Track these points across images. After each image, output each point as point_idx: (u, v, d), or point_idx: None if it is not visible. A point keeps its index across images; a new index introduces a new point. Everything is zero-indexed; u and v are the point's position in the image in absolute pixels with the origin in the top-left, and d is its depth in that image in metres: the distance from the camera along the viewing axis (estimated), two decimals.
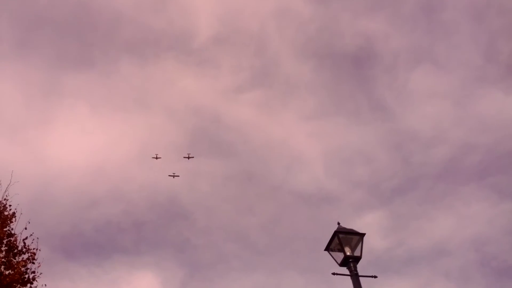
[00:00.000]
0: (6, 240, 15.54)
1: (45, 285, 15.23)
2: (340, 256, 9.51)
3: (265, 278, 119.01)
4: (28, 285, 14.90)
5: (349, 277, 9.29)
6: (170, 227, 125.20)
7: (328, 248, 9.76)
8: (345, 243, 9.51)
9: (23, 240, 15.67)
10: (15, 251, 15.49)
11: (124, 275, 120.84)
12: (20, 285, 14.61)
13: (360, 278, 9.18)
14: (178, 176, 76.72)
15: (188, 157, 77.70)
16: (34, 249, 15.64)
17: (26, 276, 15.04)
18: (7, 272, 14.77)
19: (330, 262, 9.90)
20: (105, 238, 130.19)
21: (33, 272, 15.26)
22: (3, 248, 15.35)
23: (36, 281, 15.13)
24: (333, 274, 9.25)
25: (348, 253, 9.35)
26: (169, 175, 76.34)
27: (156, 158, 77.69)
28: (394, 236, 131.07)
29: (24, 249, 15.54)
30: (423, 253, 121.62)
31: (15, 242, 15.65)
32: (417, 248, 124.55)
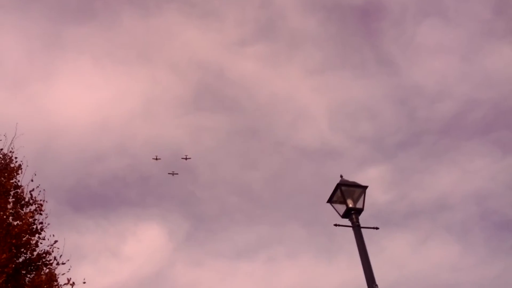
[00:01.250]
0: (13, 191, 15.76)
1: (53, 235, 15.55)
2: (342, 208, 9.61)
3: (268, 231, 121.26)
4: (36, 235, 15.22)
5: (351, 228, 9.42)
6: (175, 181, 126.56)
7: (330, 201, 9.85)
8: (347, 196, 9.58)
9: (30, 192, 15.89)
10: (22, 202, 15.73)
11: (130, 227, 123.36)
12: (29, 235, 14.92)
13: (362, 229, 9.31)
14: (177, 174, 79.00)
15: (186, 158, 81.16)
16: (41, 200, 15.89)
17: (34, 226, 15.34)
18: (15, 223, 15.05)
19: (332, 215, 10.02)
20: (111, 191, 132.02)
21: (41, 223, 15.56)
22: (10, 200, 15.59)
23: (44, 231, 15.45)
24: (335, 225, 9.38)
25: (350, 205, 9.45)
26: (169, 173, 77.84)
27: (156, 159, 78.62)
28: (397, 190, 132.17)
29: (31, 201, 15.78)
30: (424, 207, 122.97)
31: (22, 194, 15.87)
32: (419, 202, 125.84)
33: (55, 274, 14.58)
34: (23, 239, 14.63)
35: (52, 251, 15.24)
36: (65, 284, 14.53)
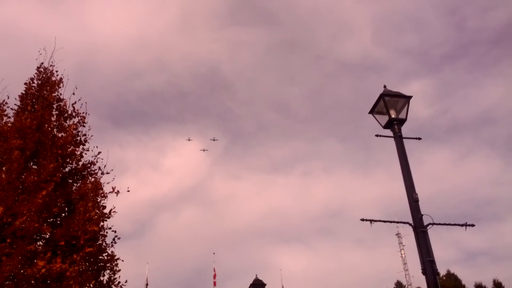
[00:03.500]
0: (56, 104, 16.12)
1: (97, 146, 16.03)
2: (384, 119, 9.40)
3: (304, 146, 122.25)
4: (81, 146, 15.72)
5: (389, 142, 9.27)
6: (213, 97, 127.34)
7: (372, 111, 9.63)
8: (390, 106, 9.33)
9: (72, 104, 16.23)
10: (66, 115, 16.12)
11: (169, 142, 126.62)
12: (73, 146, 15.41)
13: (404, 140, 9.14)
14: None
15: (214, 139, 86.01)
16: (83, 113, 16.24)
17: (78, 138, 15.81)
18: (60, 135, 15.52)
19: (372, 128, 9.85)
20: (150, 107, 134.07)
21: (84, 134, 16.01)
22: (54, 112, 15.99)
23: (88, 143, 15.94)
24: (377, 136, 9.22)
25: (393, 116, 9.22)
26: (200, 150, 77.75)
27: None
28: (440, 104, 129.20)
29: (73, 113, 16.15)
30: (468, 121, 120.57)
31: (64, 107, 16.23)
32: (462, 117, 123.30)
33: (100, 183, 15.19)
34: (68, 150, 15.13)
35: (96, 162, 15.80)
36: (110, 192, 15.17)
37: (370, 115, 9.80)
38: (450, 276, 65.25)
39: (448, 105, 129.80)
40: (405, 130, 9.36)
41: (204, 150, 73.18)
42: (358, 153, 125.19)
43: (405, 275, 64.11)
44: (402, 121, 9.23)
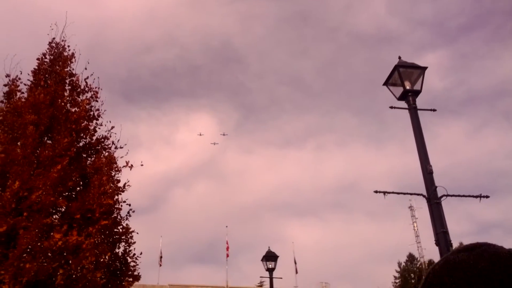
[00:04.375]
0: (69, 79, 16.16)
1: (110, 121, 16.10)
2: (399, 90, 9.27)
3: (317, 120, 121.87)
4: (94, 121, 15.80)
5: (403, 115, 9.17)
6: (224, 71, 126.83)
7: (387, 83, 9.50)
8: (405, 77, 9.19)
9: (85, 79, 16.26)
10: (78, 90, 16.17)
11: (182, 117, 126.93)
12: (87, 121, 15.50)
13: (419, 112, 9.03)
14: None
15: (224, 134, 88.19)
16: (96, 88, 16.28)
17: (91, 113, 15.87)
18: (73, 110, 15.60)
19: (385, 101, 9.75)
20: (162, 82, 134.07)
21: (97, 109, 16.07)
22: (67, 88, 16.04)
23: (101, 117, 16.00)
24: (391, 107, 9.11)
25: (407, 87, 9.09)
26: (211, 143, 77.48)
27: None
28: (455, 76, 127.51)
29: (86, 88, 16.19)
30: (483, 93, 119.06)
31: (77, 82, 16.26)
32: (478, 89, 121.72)
33: (114, 157, 15.29)
34: (82, 124, 15.22)
35: (110, 136, 15.89)
36: (124, 166, 15.29)
37: (385, 87, 9.68)
38: None
39: (463, 77, 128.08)
40: (419, 102, 9.24)
41: (214, 144, 73.83)
42: (372, 127, 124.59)
43: (418, 247, 64.45)
44: (417, 93, 9.10)
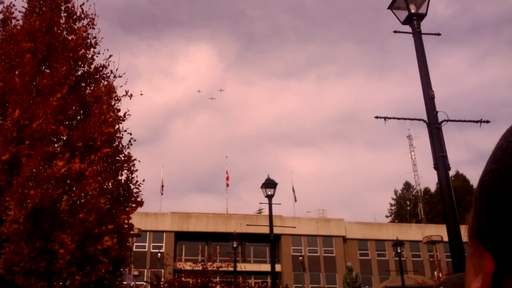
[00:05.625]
0: (64, 6, 15.75)
1: (107, 49, 15.86)
2: (403, 14, 9.04)
3: (319, 49, 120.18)
4: (91, 49, 15.54)
5: (410, 37, 8.98)
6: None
7: (391, 6, 9.23)
8: (410, 0, 8.94)
9: (80, 6, 15.78)
10: (74, 17, 15.78)
11: (181, 48, 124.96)
12: (84, 49, 15.26)
13: (423, 38, 8.86)
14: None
15: (220, 90, 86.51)
16: (92, 14, 15.85)
17: (88, 41, 15.57)
18: (70, 37, 15.32)
19: (389, 29, 9.49)
20: (161, 11, 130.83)
21: (94, 37, 15.73)
22: (62, 15, 15.66)
23: (99, 45, 15.71)
24: (395, 32, 8.92)
25: (412, 10, 8.85)
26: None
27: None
28: (461, 3, 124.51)
29: (82, 15, 15.77)
30: (488, 21, 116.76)
31: (72, 8, 15.86)
32: (483, 17, 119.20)
33: (113, 86, 15.19)
34: (79, 52, 15.00)
35: (108, 65, 15.70)
36: (123, 95, 15.22)
37: (389, 13, 9.42)
38: (459, 176, 66.70)
39: (469, 3, 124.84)
40: (424, 30, 9.04)
41: (212, 99, 72.94)
42: (374, 56, 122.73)
43: (414, 176, 65.71)
44: (422, 16, 8.86)
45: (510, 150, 0.49)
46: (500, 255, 0.48)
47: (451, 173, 8.13)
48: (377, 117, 8.38)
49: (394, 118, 8.44)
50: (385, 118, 8.32)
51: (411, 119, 8.58)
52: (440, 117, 8.09)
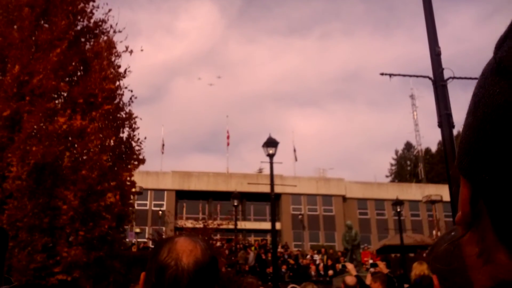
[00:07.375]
0: None
1: (107, 3, 15.50)
2: None
3: (323, 5, 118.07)
4: (90, 3, 15.22)
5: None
6: None
7: None
8: None
9: None
10: None
11: (182, 4, 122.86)
12: (83, 2, 14.95)
13: None
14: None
15: (219, 77, 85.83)
16: None
17: None
18: None
19: None
20: None
21: None
22: None
23: None
24: None
25: None
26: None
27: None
28: None
29: None
30: None
31: None
32: None
33: (113, 41, 14.97)
34: (78, 6, 14.70)
35: (108, 20, 15.41)
36: (123, 51, 15.02)
37: None
38: (459, 136, 66.73)
39: None
40: None
41: (211, 85, 72.02)
42: (380, 13, 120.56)
43: (416, 136, 65.64)
44: None
45: (486, 73, 0.47)
46: (474, 181, 0.45)
47: (454, 133, 8.07)
48: (382, 74, 8.27)
49: (399, 75, 8.34)
50: (390, 75, 8.21)
51: (417, 76, 8.47)
52: (446, 74, 7.97)
